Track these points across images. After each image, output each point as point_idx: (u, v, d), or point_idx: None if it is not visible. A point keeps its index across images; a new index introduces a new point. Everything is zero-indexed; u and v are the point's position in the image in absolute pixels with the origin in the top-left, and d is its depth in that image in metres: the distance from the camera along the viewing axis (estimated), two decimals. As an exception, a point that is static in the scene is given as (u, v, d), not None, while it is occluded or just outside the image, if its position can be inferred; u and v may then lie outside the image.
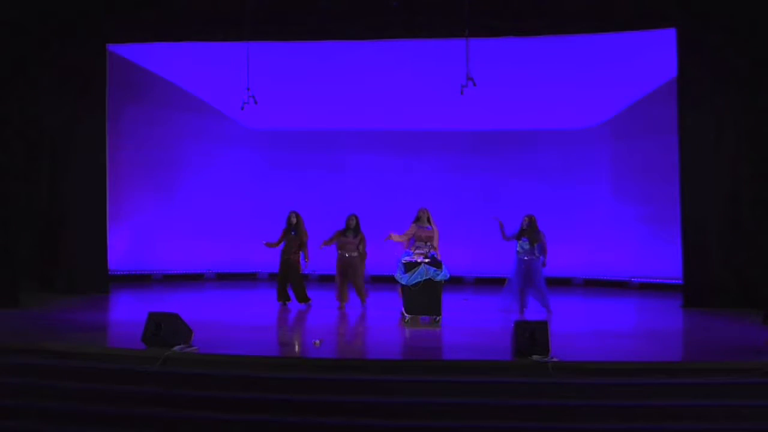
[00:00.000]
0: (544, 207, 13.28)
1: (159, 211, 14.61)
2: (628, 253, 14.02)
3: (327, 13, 11.62)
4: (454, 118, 14.28)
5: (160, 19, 12.14)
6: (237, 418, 6.47)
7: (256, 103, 10.62)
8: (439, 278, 9.67)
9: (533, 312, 10.29)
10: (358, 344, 8.90)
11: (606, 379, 6.70)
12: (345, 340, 8.95)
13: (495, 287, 13.25)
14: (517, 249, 10.58)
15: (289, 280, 11.22)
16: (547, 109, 14.05)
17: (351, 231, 10.98)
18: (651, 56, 12.09)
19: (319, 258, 11.43)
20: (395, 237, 10.62)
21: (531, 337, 6.99)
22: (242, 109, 10.80)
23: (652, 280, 13.61)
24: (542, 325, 7.17)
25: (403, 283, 9.74)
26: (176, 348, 7.24)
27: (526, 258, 10.48)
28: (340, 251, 11.00)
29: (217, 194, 15.08)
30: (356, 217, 11.07)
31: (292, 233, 11.18)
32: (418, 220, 10.66)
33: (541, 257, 10.49)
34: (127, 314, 10.89)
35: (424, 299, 9.63)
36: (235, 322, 9.71)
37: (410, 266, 9.75)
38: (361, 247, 10.95)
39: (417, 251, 10.10)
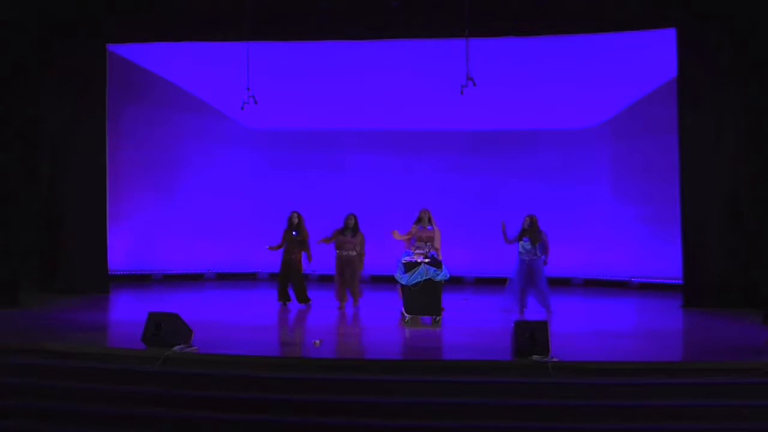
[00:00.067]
0: (544, 207, 13.27)
1: (159, 211, 14.61)
2: (628, 253, 14.02)
3: (327, 13, 11.62)
4: (454, 118, 14.28)
5: (160, 19, 12.15)
6: (237, 418, 6.47)
7: (256, 103, 10.63)
8: (439, 278, 9.67)
9: (533, 312, 10.29)
10: (358, 344, 8.90)
11: (606, 379, 6.70)
12: (345, 340, 8.95)
13: (495, 287, 13.26)
14: (519, 249, 10.57)
15: (290, 280, 11.22)
16: (547, 109, 14.05)
17: (349, 230, 10.98)
18: (651, 56, 12.09)
19: (319, 258, 11.42)
20: (397, 235, 10.61)
21: (531, 337, 6.99)
22: (242, 109, 10.80)
23: (652, 280, 13.61)
24: (542, 325, 7.17)
25: (403, 283, 9.74)
26: (176, 348, 7.24)
27: (527, 258, 10.47)
28: (338, 251, 11.01)
29: (217, 194, 15.08)
30: (355, 217, 11.07)
31: (293, 233, 11.18)
32: (419, 220, 10.67)
33: (542, 257, 10.49)
34: (127, 314, 10.89)
35: (424, 299, 9.63)
36: (235, 322, 9.71)
37: (410, 266, 9.75)
38: (359, 246, 10.95)
39: (417, 251, 10.10)
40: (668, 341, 8.83)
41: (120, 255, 13.80)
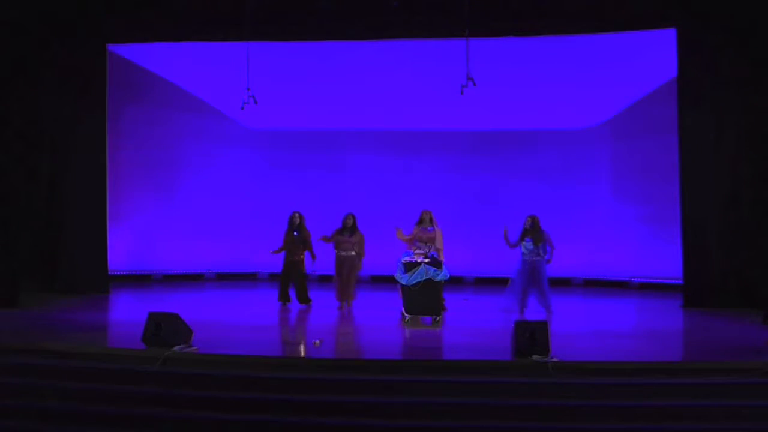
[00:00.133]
0: (544, 207, 13.26)
1: (159, 211, 14.61)
2: (628, 253, 14.02)
3: (327, 13, 11.62)
4: (454, 118, 14.28)
5: (160, 19, 12.15)
6: (237, 418, 6.47)
7: (256, 103, 10.62)
8: (439, 278, 9.67)
9: (533, 312, 10.29)
10: (358, 344, 8.90)
11: (606, 379, 6.70)
12: (345, 340, 8.95)
13: (495, 287, 13.27)
14: (522, 250, 10.55)
15: (292, 280, 11.21)
16: (547, 109, 14.05)
17: (347, 230, 10.98)
18: (651, 56, 12.09)
19: (320, 258, 11.41)
20: (401, 235, 10.59)
21: (531, 337, 6.99)
22: (242, 109, 10.80)
23: (652, 280, 13.61)
24: (542, 325, 7.17)
25: (403, 283, 9.74)
26: (176, 348, 7.24)
27: (530, 258, 10.46)
28: (337, 250, 11.02)
29: (217, 194, 15.08)
30: (353, 217, 11.07)
31: (295, 234, 11.17)
32: (420, 222, 10.66)
33: (545, 257, 10.47)
34: (127, 314, 10.89)
35: (424, 299, 9.63)
36: (235, 322, 9.71)
37: (410, 266, 9.75)
38: (357, 246, 10.95)
39: (417, 251, 10.11)
40: (668, 341, 8.83)
41: (120, 255, 13.80)
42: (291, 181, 15.29)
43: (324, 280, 13.08)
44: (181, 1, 12.05)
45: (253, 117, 14.18)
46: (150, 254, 14.48)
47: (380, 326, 9.64)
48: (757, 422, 6.33)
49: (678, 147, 11.24)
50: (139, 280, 14.18)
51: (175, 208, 14.79)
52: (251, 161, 15.48)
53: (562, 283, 13.46)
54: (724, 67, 10.95)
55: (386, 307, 11.00)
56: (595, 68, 12.65)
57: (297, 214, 11.29)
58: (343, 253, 10.95)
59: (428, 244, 10.28)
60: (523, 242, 10.52)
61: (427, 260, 9.79)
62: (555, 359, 6.88)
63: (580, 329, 9.38)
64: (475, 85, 9.38)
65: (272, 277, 14.47)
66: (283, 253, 11.31)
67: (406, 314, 9.73)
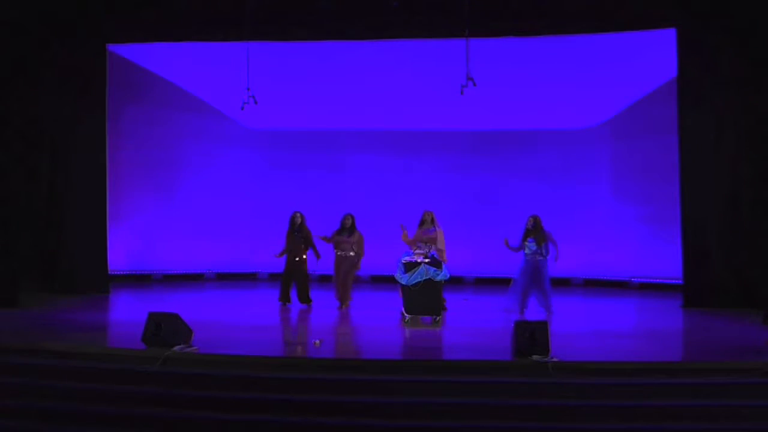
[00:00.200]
0: (544, 207, 13.26)
1: (159, 211, 14.61)
2: (628, 253, 14.02)
3: (327, 13, 11.62)
4: (454, 118, 14.28)
5: (160, 19, 12.14)
6: (237, 418, 6.47)
7: (256, 103, 10.63)
8: (439, 278, 9.67)
9: (533, 312, 10.29)
10: (358, 344, 8.91)
11: (606, 379, 6.70)
12: (345, 340, 8.95)
13: (495, 287, 13.28)
14: (525, 250, 10.54)
15: (295, 280, 11.20)
16: (547, 109, 14.05)
17: (346, 230, 10.99)
18: (651, 56, 12.09)
19: (322, 257, 11.41)
20: (405, 237, 10.57)
21: (531, 337, 6.99)
22: (242, 109, 10.81)
23: (652, 280, 13.61)
24: (542, 325, 7.17)
25: (403, 283, 9.74)
26: (176, 348, 7.24)
27: (533, 258, 10.44)
28: (336, 251, 11.02)
29: (217, 194, 15.08)
30: (352, 217, 11.07)
31: (296, 234, 11.17)
32: (422, 223, 10.66)
33: (548, 257, 10.46)
34: (127, 314, 10.89)
35: (424, 299, 9.63)
36: (235, 322, 9.71)
37: (410, 266, 9.75)
38: (356, 246, 10.95)
39: (417, 251, 10.12)
40: (668, 341, 8.83)
41: (120, 255, 13.80)
42: (291, 181, 15.29)
43: (324, 280, 13.07)
44: (181, 1, 12.05)
45: (253, 117, 14.18)
46: (150, 254, 14.48)
47: (380, 326, 9.64)
48: (757, 422, 6.33)
49: (678, 147, 11.23)
50: (139, 280, 14.18)
51: (175, 208, 14.79)
52: (251, 161, 15.48)
53: (562, 283, 13.45)
54: (724, 67, 10.95)
55: (386, 307, 11.00)
56: (595, 68, 12.65)
57: (298, 214, 11.29)
58: (342, 254, 10.96)
59: (429, 244, 10.29)
60: (526, 242, 10.51)
61: (427, 260, 9.79)
62: (555, 359, 6.88)
63: (580, 329, 9.38)
64: (475, 85, 9.38)
65: (272, 277, 14.47)
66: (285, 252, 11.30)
67: (406, 314, 9.73)
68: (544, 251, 10.44)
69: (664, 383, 6.65)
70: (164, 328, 7.31)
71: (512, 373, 6.87)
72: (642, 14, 11.27)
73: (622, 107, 14.10)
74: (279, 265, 11.53)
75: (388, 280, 11.78)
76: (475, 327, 9.60)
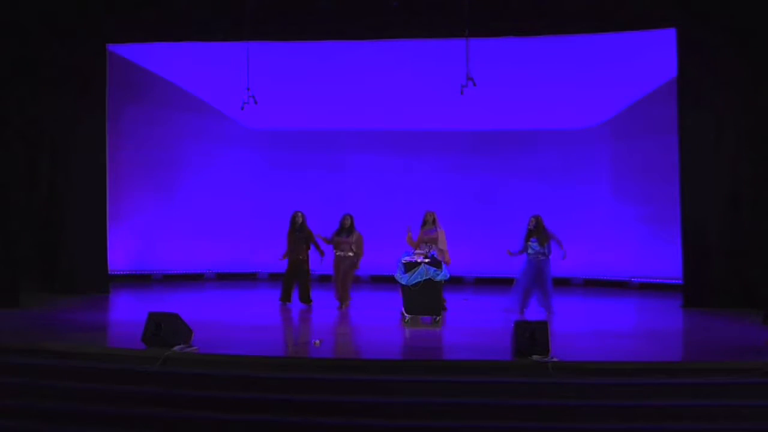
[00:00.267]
0: (544, 207, 13.24)
1: (159, 211, 14.61)
2: (628, 253, 14.01)
3: (327, 13, 11.61)
4: (454, 118, 14.28)
5: (160, 19, 12.14)
6: (237, 418, 6.47)
7: (256, 103, 10.63)
8: (439, 278, 9.67)
9: (533, 312, 10.28)
10: (358, 344, 8.91)
11: (606, 379, 6.70)
12: (345, 340, 8.95)
13: (495, 287, 13.29)
14: (528, 250, 10.53)
15: (297, 280, 11.19)
16: (547, 109, 14.04)
17: (345, 231, 11.00)
18: (651, 56, 12.09)
19: (319, 258, 11.41)
20: (410, 240, 10.57)
21: (531, 337, 6.99)
22: (242, 109, 10.81)
23: (652, 280, 13.61)
24: (542, 325, 7.17)
25: (403, 283, 9.74)
26: (176, 348, 7.24)
27: (536, 258, 10.43)
28: (335, 251, 11.03)
29: (217, 194, 15.08)
30: (351, 217, 11.07)
31: (297, 233, 11.16)
32: (424, 224, 10.68)
33: (550, 257, 10.45)
34: (127, 314, 10.89)
35: (424, 299, 9.63)
36: (235, 322, 9.71)
37: (410, 266, 9.75)
38: (355, 246, 10.95)
39: (417, 251, 10.12)
40: (668, 341, 8.83)
41: (120, 255, 13.80)
42: (291, 181, 15.28)
43: (324, 280, 13.08)
44: (181, 1, 12.05)
45: (253, 117, 14.18)
46: (150, 254, 14.47)
47: (380, 326, 9.64)
48: (757, 422, 6.33)
49: (678, 147, 11.23)
50: (139, 280, 14.17)
51: (175, 208, 14.79)
52: (251, 161, 15.48)
53: (562, 283, 13.43)
54: (724, 67, 10.95)
55: (386, 307, 11.00)
56: (595, 68, 12.64)
57: (299, 214, 11.28)
58: (341, 254, 10.97)
59: (429, 244, 10.30)
60: (529, 242, 10.50)
61: (427, 260, 9.79)
62: (555, 359, 6.88)
63: (580, 329, 9.38)
64: (475, 85, 9.38)
65: (272, 277, 14.49)
66: (285, 249, 11.27)
67: (406, 314, 9.73)
68: (547, 251, 10.43)
69: (664, 383, 6.65)
70: (164, 328, 7.31)
71: (512, 373, 6.87)
72: (642, 14, 11.26)
73: (622, 107, 14.10)
74: (279, 265, 11.53)
75: (388, 280, 11.78)
76: (475, 327, 9.60)
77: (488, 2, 11.05)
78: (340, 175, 15.31)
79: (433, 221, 10.65)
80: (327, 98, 13.99)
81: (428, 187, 14.82)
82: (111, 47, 12.57)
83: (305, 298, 11.18)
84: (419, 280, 9.62)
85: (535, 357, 6.90)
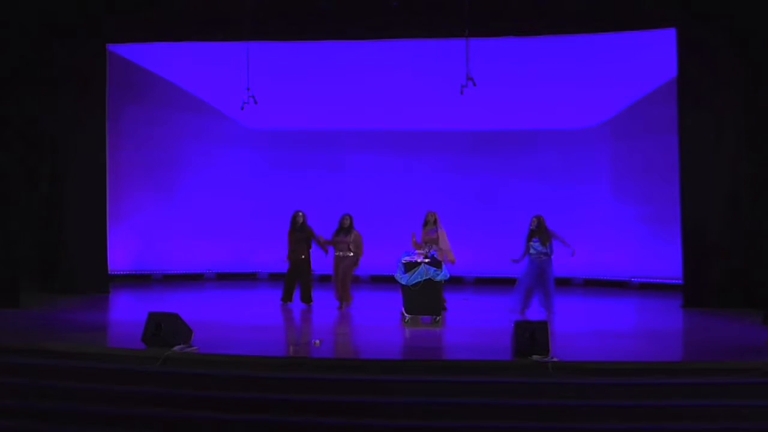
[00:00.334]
0: (545, 207, 13.23)
1: (159, 211, 14.61)
2: (628, 253, 14.01)
3: (327, 13, 11.62)
4: (454, 118, 14.28)
5: (160, 19, 12.15)
6: (237, 418, 6.47)
7: (256, 103, 10.64)
8: (439, 278, 9.68)
9: (534, 312, 10.28)
10: (358, 344, 8.91)
11: (606, 379, 6.70)
12: (345, 340, 8.95)
13: (495, 287, 13.30)
14: (530, 251, 10.52)
15: (299, 280, 11.19)
16: (547, 109, 14.04)
17: (344, 231, 11.00)
18: (651, 56, 12.09)
19: (322, 257, 11.41)
20: (414, 243, 10.58)
21: (531, 337, 6.99)
22: (242, 109, 10.81)
23: (652, 280, 13.61)
24: (542, 325, 7.16)
25: (403, 283, 9.74)
26: (176, 348, 7.24)
27: (539, 259, 10.42)
28: (335, 251, 11.04)
29: (217, 194, 15.07)
30: (350, 217, 11.08)
31: (298, 233, 11.16)
32: (426, 224, 10.69)
33: (552, 257, 10.44)
34: (127, 314, 10.89)
35: (424, 299, 9.63)
36: (235, 322, 9.71)
37: (410, 266, 9.75)
38: (353, 246, 10.95)
39: (418, 251, 10.12)
40: (668, 341, 8.83)
41: (120, 255, 13.80)
42: (291, 181, 15.27)
43: (324, 280, 13.09)
44: (181, 1, 12.06)
45: (253, 117, 14.18)
46: (150, 254, 14.47)
47: (380, 326, 9.64)
48: (757, 422, 6.33)
49: (678, 147, 11.23)
50: (139, 280, 14.17)
51: (175, 208, 14.79)
52: (251, 161, 15.48)
53: (562, 283, 13.36)
54: (724, 67, 10.95)
55: (386, 307, 11.00)
56: (595, 68, 12.65)
57: (300, 213, 11.28)
58: (340, 254, 10.99)
59: (430, 244, 10.31)
60: (531, 243, 10.49)
61: (427, 260, 9.79)
62: (555, 359, 6.88)
63: (580, 329, 9.38)
64: (475, 85, 9.39)
65: (272, 277, 14.49)
66: (286, 249, 11.27)
67: (406, 314, 9.73)
68: (549, 251, 10.43)
69: (664, 383, 6.65)
70: (164, 328, 7.31)
71: (512, 373, 6.87)
72: (642, 14, 11.27)
73: (622, 107, 14.09)
74: (279, 265, 11.53)
75: (388, 280, 11.77)
76: (475, 327, 9.61)
77: (488, 2, 11.05)
78: (340, 175, 15.31)
79: (435, 221, 10.66)
80: (327, 98, 13.99)
81: (428, 187, 14.82)
82: (111, 47, 12.57)
83: (306, 298, 11.17)
84: (419, 280, 9.62)
85: (535, 357, 6.90)
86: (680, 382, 6.68)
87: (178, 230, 14.65)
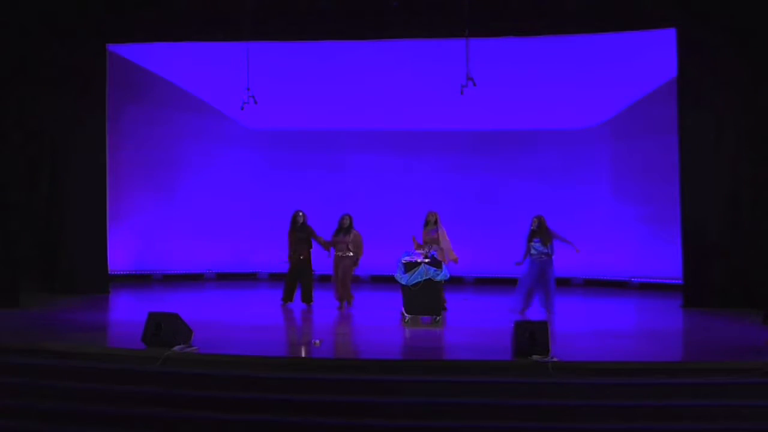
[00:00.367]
0: (545, 207, 13.24)
1: (159, 211, 14.61)
2: (628, 253, 14.01)
3: (327, 12, 11.62)
4: (454, 118, 14.28)
5: (160, 19, 12.15)
6: (237, 418, 6.47)
7: (256, 103, 10.65)
8: (439, 278, 9.67)
9: (534, 312, 10.28)
10: (358, 344, 8.91)
11: (606, 379, 6.70)
12: (345, 340, 8.95)
13: (495, 287, 13.29)
14: (531, 251, 10.51)
15: (300, 280, 11.19)
16: (547, 109, 14.05)
17: (343, 230, 11.01)
18: (651, 56, 12.09)
19: (321, 257, 11.41)
20: (417, 245, 10.59)
21: (531, 337, 6.99)
22: (242, 109, 10.82)
23: (652, 280, 13.61)
24: (542, 325, 7.16)
25: (403, 283, 9.74)
26: (176, 348, 7.24)
27: (539, 259, 10.42)
28: (335, 251, 11.04)
29: (217, 194, 15.08)
30: (350, 217, 11.08)
31: (298, 233, 11.15)
32: (426, 224, 10.69)
33: (554, 257, 10.44)
34: (127, 314, 10.89)
35: (424, 299, 9.63)
36: (235, 322, 9.71)
37: (410, 266, 9.75)
38: (352, 245, 10.95)
39: (418, 251, 10.13)
40: (668, 341, 8.82)
41: (120, 255, 13.80)
42: (291, 181, 15.28)
43: (324, 280, 13.08)
44: (181, 1, 12.06)
45: (253, 117, 14.18)
46: (150, 254, 14.48)
47: (380, 326, 9.63)
48: (757, 422, 6.33)
49: (678, 147, 11.23)
50: (139, 280, 14.18)
51: (175, 208, 14.79)
52: (251, 161, 15.48)
53: (562, 283, 13.35)
54: (724, 67, 10.95)
55: (386, 307, 11.00)
56: (595, 68, 12.65)
57: (300, 213, 11.28)
58: (339, 254, 10.99)
59: (430, 244, 10.31)
60: (532, 243, 10.49)
61: (427, 260, 9.79)
62: (555, 359, 6.88)
63: (580, 329, 9.38)
64: (475, 85, 9.39)
65: (272, 277, 14.50)
66: (286, 249, 11.27)
67: (406, 314, 9.73)
68: (550, 251, 10.42)
69: (664, 383, 6.65)
70: (164, 328, 7.32)
71: (512, 373, 6.87)
72: (642, 14, 11.27)
73: (622, 107, 14.10)
74: (279, 265, 11.53)
75: (388, 280, 11.78)
76: (475, 327, 9.60)
77: (488, 2, 11.06)
78: (340, 175, 15.32)
79: (435, 221, 10.66)
80: (327, 98, 14.00)
81: (428, 187, 14.83)
82: (111, 47, 12.57)
83: (307, 298, 11.17)
84: (419, 280, 9.62)
85: (535, 357, 6.90)
86: (680, 382, 6.68)
87: (178, 230, 14.66)
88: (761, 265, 10.62)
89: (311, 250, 11.19)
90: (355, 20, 11.76)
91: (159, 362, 6.96)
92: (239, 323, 9.64)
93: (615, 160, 14.46)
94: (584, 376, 6.72)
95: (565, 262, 10.82)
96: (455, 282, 12.58)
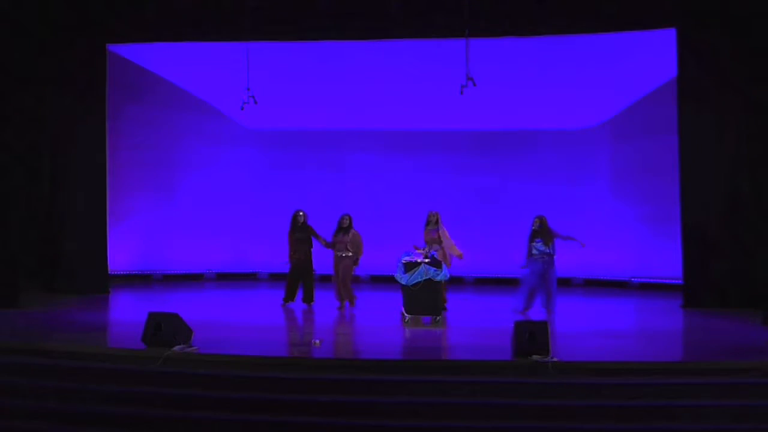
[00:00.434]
0: (544, 207, 13.23)
1: (159, 211, 14.61)
2: (628, 253, 14.01)
3: (327, 13, 11.62)
4: (454, 118, 14.28)
5: (160, 19, 12.15)
6: (237, 418, 6.47)
7: (256, 103, 10.65)
8: (439, 278, 9.67)
9: (534, 312, 10.28)
10: (358, 344, 8.90)
11: (606, 379, 6.70)
12: (345, 340, 8.95)
13: (495, 287, 13.29)
14: (532, 251, 10.50)
15: (301, 280, 11.18)
16: (547, 109, 14.04)
17: (342, 230, 11.01)
18: (651, 56, 12.09)
19: (322, 257, 11.41)
20: (422, 251, 10.59)
21: (531, 337, 6.98)
22: (242, 109, 10.81)
23: (652, 280, 13.61)
24: (542, 325, 7.16)
25: (403, 283, 9.74)
26: (176, 348, 7.24)
27: (541, 259, 10.41)
28: (334, 251, 11.05)
29: (217, 194, 15.08)
30: (349, 217, 11.08)
31: (298, 232, 11.15)
32: (428, 224, 10.69)
33: (555, 257, 10.43)
34: (127, 314, 10.89)
35: (424, 299, 9.63)
36: (235, 322, 9.71)
37: (410, 266, 9.75)
38: (351, 245, 10.94)
39: (418, 251, 10.13)
40: (668, 341, 8.82)
41: (120, 255, 13.80)
42: (291, 181, 15.28)
43: (324, 279, 13.08)
44: (181, 1, 12.05)
45: (253, 117, 14.18)
46: (150, 254, 14.48)
47: (380, 326, 9.64)
48: (757, 422, 6.32)
49: (678, 147, 11.23)
50: (139, 280, 14.18)
51: (175, 208, 14.79)
52: (251, 161, 15.48)
53: (562, 283, 13.33)
54: (724, 67, 10.95)
55: (386, 307, 11.00)
56: (595, 68, 12.65)
57: (301, 213, 11.28)
58: (339, 254, 10.99)
59: (431, 244, 10.31)
60: (534, 243, 10.48)
61: (427, 260, 9.79)
62: (555, 359, 6.88)
63: (580, 329, 9.38)
64: (475, 85, 9.39)
65: (272, 277, 14.49)
66: (287, 249, 11.26)
67: (406, 314, 9.73)
68: (551, 251, 10.41)
69: (664, 383, 6.64)
70: (164, 328, 7.31)
71: (512, 373, 6.86)
72: (642, 14, 11.27)
73: (622, 107, 14.09)
74: (279, 265, 11.52)
75: (388, 280, 11.77)
76: (475, 327, 9.60)
77: (488, 2, 11.06)
78: (340, 175, 15.31)
79: (436, 221, 10.66)
80: (327, 98, 14.00)
81: (428, 187, 14.82)
82: (111, 47, 12.57)
83: (308, 298, 11.17)
84: (419, 280, 9.62)
85: (535, 357, 6.90)
86: (680, 382, 6.67)
87: (178, 230, 14.66)
88: (761, 265, 10.61)
89: (312, 249, 11.19)
90: (355, 20, 11.75)
91: (159, 362, 6.96)
92: (239, 323, 9.64)
93: (615, 160, 14.45)
94: (584, 376, 6.72)
95: (565, 262, 10.81)
96: (455, 282, 12.57)
